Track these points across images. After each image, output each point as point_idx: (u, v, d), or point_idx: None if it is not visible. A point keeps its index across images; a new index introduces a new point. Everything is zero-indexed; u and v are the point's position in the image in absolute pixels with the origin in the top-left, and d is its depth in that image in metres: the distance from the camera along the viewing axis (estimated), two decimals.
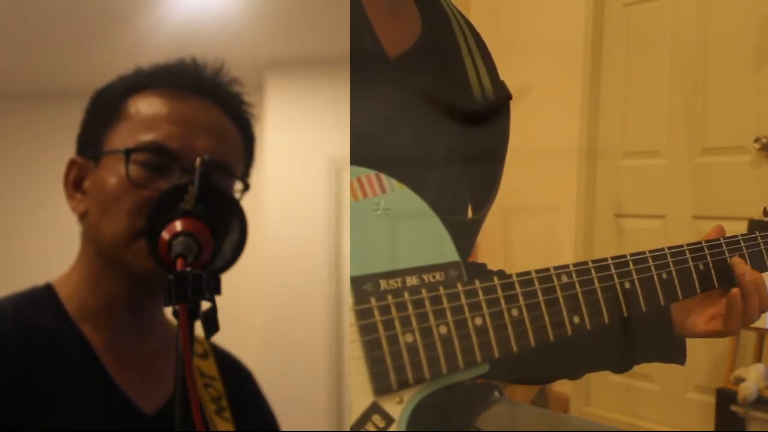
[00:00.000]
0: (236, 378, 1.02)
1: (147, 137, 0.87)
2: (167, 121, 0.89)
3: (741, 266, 0.88)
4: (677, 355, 0.93)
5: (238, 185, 0.95)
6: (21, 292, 0.92)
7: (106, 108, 0.91)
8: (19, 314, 0.88)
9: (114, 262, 0.88)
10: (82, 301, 0.90)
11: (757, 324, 0.89)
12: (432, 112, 0.89)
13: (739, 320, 0.86)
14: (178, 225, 0.73)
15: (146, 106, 0.90)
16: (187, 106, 0.90)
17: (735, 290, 0.87)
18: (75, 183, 0.92)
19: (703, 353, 2.28)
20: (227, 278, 0.79)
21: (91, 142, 0.91)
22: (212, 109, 0.92)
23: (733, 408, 2.03)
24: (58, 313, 0.89)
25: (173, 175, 0.86)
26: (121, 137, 0.88)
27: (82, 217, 0.92)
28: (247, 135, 0.97)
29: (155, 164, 0.86)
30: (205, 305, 0.71)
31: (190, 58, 0.94)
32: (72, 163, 0.93)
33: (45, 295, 0.91)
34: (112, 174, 0.87)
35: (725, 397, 2.06)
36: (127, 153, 0.86)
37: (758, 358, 2.12)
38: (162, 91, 0.91)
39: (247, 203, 0.86)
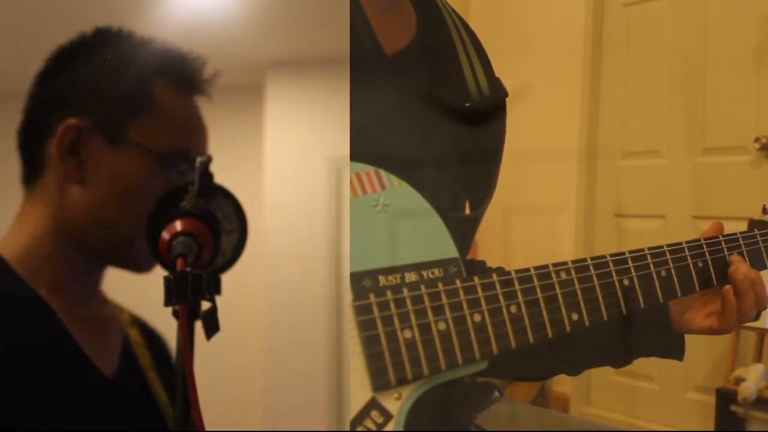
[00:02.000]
0: (159, 344, 1.03)
1: (178, 144, 0.90)
2: (191, 128, 0.93)
3: (736, 263, 0.88)
4: (676, 351, 0.93)
5: None
6: None
7: (125, 86, 0.90)
8: None
9: (94, 238, 0.87)
10: (35, 266, 0.87)
11: (757, 324, 0.89)
12: (429, 110, 0.89)
13: (734, 317, 0.86)
14: (178, 225, 0.73)
15: (172, 103, 0.91)
16: (196, 110, 0.94)
17: (727, 287, 0.87)
18: (69, 147, 0.89)
19: (703, 353, 2.28)
20: (227, 278, 0.79)
21: (111, 120, 0.89)
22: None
23: (733, 408, 2.03)
24: (10, 277, 0.85)
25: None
26: (150, 132, 0.89)
27: (67, 184, 0.88)
28: None
29: (180, 170, 0.89)
30: (206, 305, 0.71)
31: (193, 53, 0.96)
32: (72, 127, 0.88)
33: None
34: (140, 166, 0.88)
35: (725, 397, 2.06)
36: (162, 158, 0.88)
37: (758, 358, 2.12)
38: (181, 88, 0.93)
39: (247, 203, 0.86)
